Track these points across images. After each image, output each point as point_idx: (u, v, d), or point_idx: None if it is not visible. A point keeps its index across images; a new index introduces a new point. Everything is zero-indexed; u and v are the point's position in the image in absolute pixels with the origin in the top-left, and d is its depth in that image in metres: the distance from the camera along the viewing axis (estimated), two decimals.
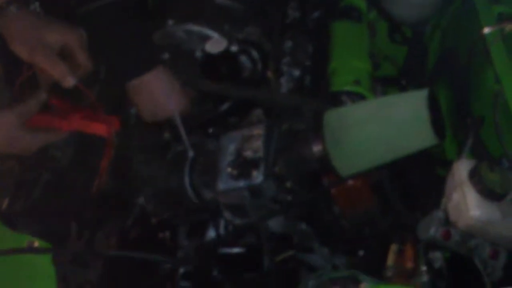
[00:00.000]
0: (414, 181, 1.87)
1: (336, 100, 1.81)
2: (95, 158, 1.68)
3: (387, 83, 2.41)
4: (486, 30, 1.92)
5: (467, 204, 1.38)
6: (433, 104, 1.34)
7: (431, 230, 1.44)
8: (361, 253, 1.78)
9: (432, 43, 2.52)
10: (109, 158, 1.66)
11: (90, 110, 1.64)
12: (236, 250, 1.69)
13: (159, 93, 1.68)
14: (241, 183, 1.46)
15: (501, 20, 1.99)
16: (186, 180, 1.61)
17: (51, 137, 1.61)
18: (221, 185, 1.49)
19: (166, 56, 1.81)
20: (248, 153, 1.49)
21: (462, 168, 1.45)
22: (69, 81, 1.55)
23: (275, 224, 1.71)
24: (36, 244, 1.44)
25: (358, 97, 1.83)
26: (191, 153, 1.64)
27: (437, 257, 1.49)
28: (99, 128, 1.61)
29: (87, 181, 1.68)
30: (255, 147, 1.49)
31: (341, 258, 1.80)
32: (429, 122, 1.32)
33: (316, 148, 1.45)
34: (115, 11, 1.62)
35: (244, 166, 1.47)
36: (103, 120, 1.62)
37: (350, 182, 1.59)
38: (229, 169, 1.49)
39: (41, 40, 1.53)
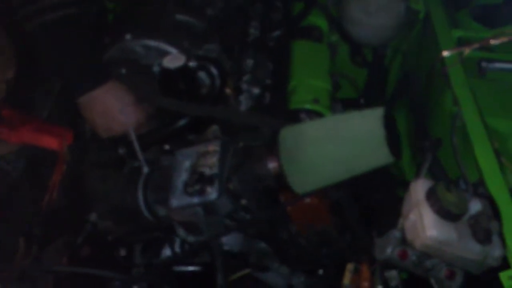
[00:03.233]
0: (374, 201, 1.87)
1: (295, 118, 1.81)
2: (47, 173, 1.64)
3: (348, 105, 2.42)
4: (445, 53, 1.94)
5: (423, 224, 1.38)
6: (389, 123, 1.33)
7: (388, 250, 1.42)
8: (320, 272, 1.76)
9: (393, 66, 2.55)
10: (61, 172, 1.62)
11: (42, 122, 1.60)
12: (190, 268, 1.66)
13: (111, 108, 1.65)
14: (195, 200, 1.44)
15: (460, 44, 2.02)
16: (140, 196, 1.58)
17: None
18: (175, 202, 1.46)
19: (123, 71, 1.78)
20: (203, 170, 1.46)
21: (419, 188, 1.45)
22: None
23: (232, 242, 1.68)
24: None
25: (317, 115, 1.84)
26: (145, 169, 1.60)
27: (393, 275, 1.48)
28: (50, 141, 1.57)
29: (37, 195, 1.63)
30: (210, 164, 1.47)
31: (300, 277, 1.78)
32: (384, 140, 1.31)
33: (272, 165, 1.43)
34: (65, 25, 1.59)
35: (198, 183, 1.44)
36: (55, 133, 1.58)
37: (307, 200, 1.58)
38: (183, 186, 1.46)
39: None
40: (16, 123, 1.58)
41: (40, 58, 1.61)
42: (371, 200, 1.84)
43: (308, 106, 1.86)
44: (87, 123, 1.74)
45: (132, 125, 1.64)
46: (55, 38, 1.60)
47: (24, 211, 1.64)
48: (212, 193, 1.42)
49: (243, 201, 1.49)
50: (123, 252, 1.72)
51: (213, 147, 1.49)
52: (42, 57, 1.61)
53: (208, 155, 1.48)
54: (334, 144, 1.37)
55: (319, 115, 1.84)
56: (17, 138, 1.56)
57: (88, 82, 1.63)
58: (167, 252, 1.71)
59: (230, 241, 1.67)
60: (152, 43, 1.82)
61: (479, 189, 1.55)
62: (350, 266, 1.48)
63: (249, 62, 2.03)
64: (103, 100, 1.63)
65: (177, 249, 1.70)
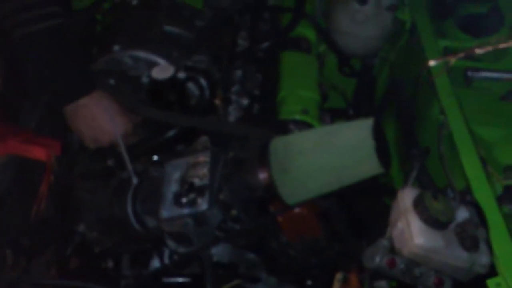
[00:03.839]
0: (361, 210, 1.87)
1: (283, 128, 1.81)
2: (35, 184, 1.63)
3: (336, 115, 2.43)
4: (431, 63, 1.96)
5: (411, 232, 1.39)
6: (378, 133, 1.34)
7: (376, 258, 1.43)
8: (309, 282, 1.76)
9: (380, 76, 2.57)
10: (49, 183, 1.61)
11: (29, 133, 1.60)
12: (180, 279, 1.65)
13: (97, 118, 1.65)
14: (185, 211, 1.43)
15: (446, 53, 2.04)
16: (129, 207, 1.57)
17: None
18: (165, 213, 1.45)
19: (111, 81, 1.78)
20: (194, 180, 1.46)
21: (406, 197, 1.46)
22: None
23: (222, 253, 1.68)
24: None
25: (305, 126, 1.84)
26: (134, 180, 1.60)
27: (383, 286, 1.49)
28: (37, 152, 1.57)
29: (25, 206, 1.63)
30: (201, 174, 1.47)
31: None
32: (374, 151, 1.32)
33: (262, 176, 1.43)
34: (51, 35, 1.59)
35: (189, 194, 1.44)
36: (43, 144, 1.57)
37: (297, 210, 1.58)
38: (173, 197, 1.46)
39: None
40: (3, 134, 1.58)
41: (27, 68, 1.60)
42: (359, 209, 1.84)
43: (297, 116, 1.86)
44: (75, 133, 1.74)
45: (119, 135, 1.63)
46: (41, 48, 1.60)
47: (12, 222, 1.63)
48: (202, 204, 1.42)
49: (234, 212, 1.49)
50: (111, 264, 1.71)
51: (203, 157, 1.49)
52: (29, 67, 1.60)
53: (198, 166, 1.48)
54: (324, 155, 1.37)
55: (308, 125, 1.85)
56: (4, 149, 1.55)
57: (73, 91, 1.63)
58: (156, 263, 1.71)
59: (219, 252, 1.67)
60: (140, 54, 1.82)
61: (467, 197, 1.57)
62: (339, 276, 1.48)
63: (238, 73, 2.04)
64: (89, 110, 1.63)
65: (166, 260, 1.70)
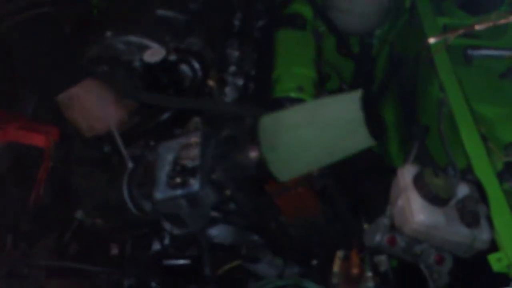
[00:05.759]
0: (365, 189, 1.86)
1: (279, 106, 1.80)
2: (33, 170, 1.63)
3: None
4: (431, 40, 1.94)
5: (411, 209, 1.38)
6: (367, 105, 1.32)
7: (377, 237, 1.42)
8: (314, 262, 1.75)
9: (380, 57, 2.55)
10: (47, 169, 1.60)
11: (27, 120, 1.59)
12: (180, 262, 1.65)
13: (91, 106, 1.64)
14: (178, 192, 1.43)
15: (446, 31, 2.02)
16: (125, 191, 1.57)
17: None
18: (158, 195, 1.45)
19: (104, 68, 1.77)
20: (186, 162, 1.46)
21: (406, 174, 1.44)
22: None
23: (224, 235, 1.68)
24: None
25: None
26: (130, 165, 1.59)
27: (382, 260, 1.48)
28: (36, 138, 1.56)
29: (24, 193, 1.62)
30: (192, 155, 1.46)
31: (293, 268, 1.77)
32: (363, 123, 1.29)
33: (253, 154, 1.43)
34: (39, 24, 1.58)
35: (181, 175, 1.44)
36: (42, 131, 1.57)
37: (295, 190, 1.57)
38: (166, 178, 1.46)
39: None
40: (2, 121, 1.57)
41: (18, 57, 1.60)
42: (362, 187, 1.83)
43: (292, 94, 1.85)
44: (70, 123, 1.73)
45: (114, 122, 1.62)
46: (30, 37, 1.60)
47: (11, 209, 1.63)
48: (195, 184, 1.41)
49: (227, 192, 1.48)
50: (112, 248, 1.71)
51: (195, 138, 1.49)
52: (19, 56, 1.60)
53: (190, 147, 1.47)
54: (313, 130, 1.36)
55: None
56: (4, 136, 1.55)
57: (65, 80, 1.62)
58: (156, 246, 1.71)
59: (222, 234, 1.67)
60: (133, 38, 1.82)
61: (468, 176, 1.55)
62: (339, 254, 1.48)
63: (234, 54, 2.02)
64: (82, 100, 1.63)
65: (167, 243, 1.70)
